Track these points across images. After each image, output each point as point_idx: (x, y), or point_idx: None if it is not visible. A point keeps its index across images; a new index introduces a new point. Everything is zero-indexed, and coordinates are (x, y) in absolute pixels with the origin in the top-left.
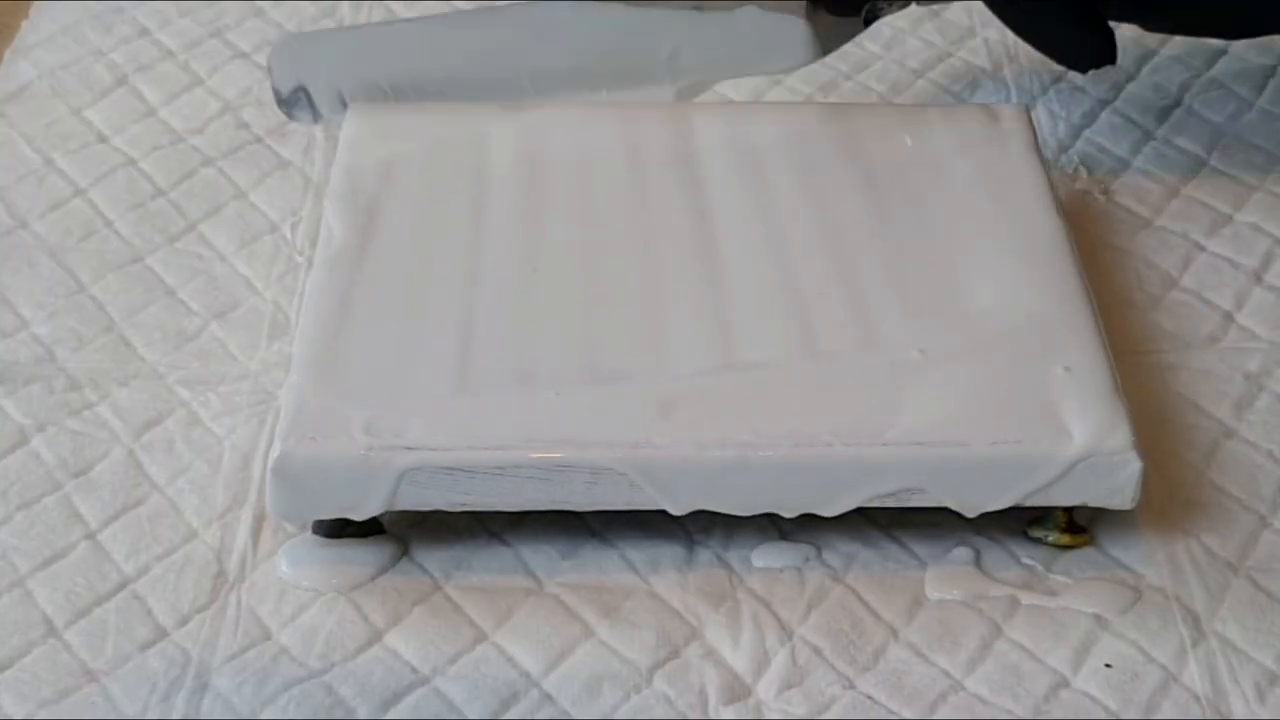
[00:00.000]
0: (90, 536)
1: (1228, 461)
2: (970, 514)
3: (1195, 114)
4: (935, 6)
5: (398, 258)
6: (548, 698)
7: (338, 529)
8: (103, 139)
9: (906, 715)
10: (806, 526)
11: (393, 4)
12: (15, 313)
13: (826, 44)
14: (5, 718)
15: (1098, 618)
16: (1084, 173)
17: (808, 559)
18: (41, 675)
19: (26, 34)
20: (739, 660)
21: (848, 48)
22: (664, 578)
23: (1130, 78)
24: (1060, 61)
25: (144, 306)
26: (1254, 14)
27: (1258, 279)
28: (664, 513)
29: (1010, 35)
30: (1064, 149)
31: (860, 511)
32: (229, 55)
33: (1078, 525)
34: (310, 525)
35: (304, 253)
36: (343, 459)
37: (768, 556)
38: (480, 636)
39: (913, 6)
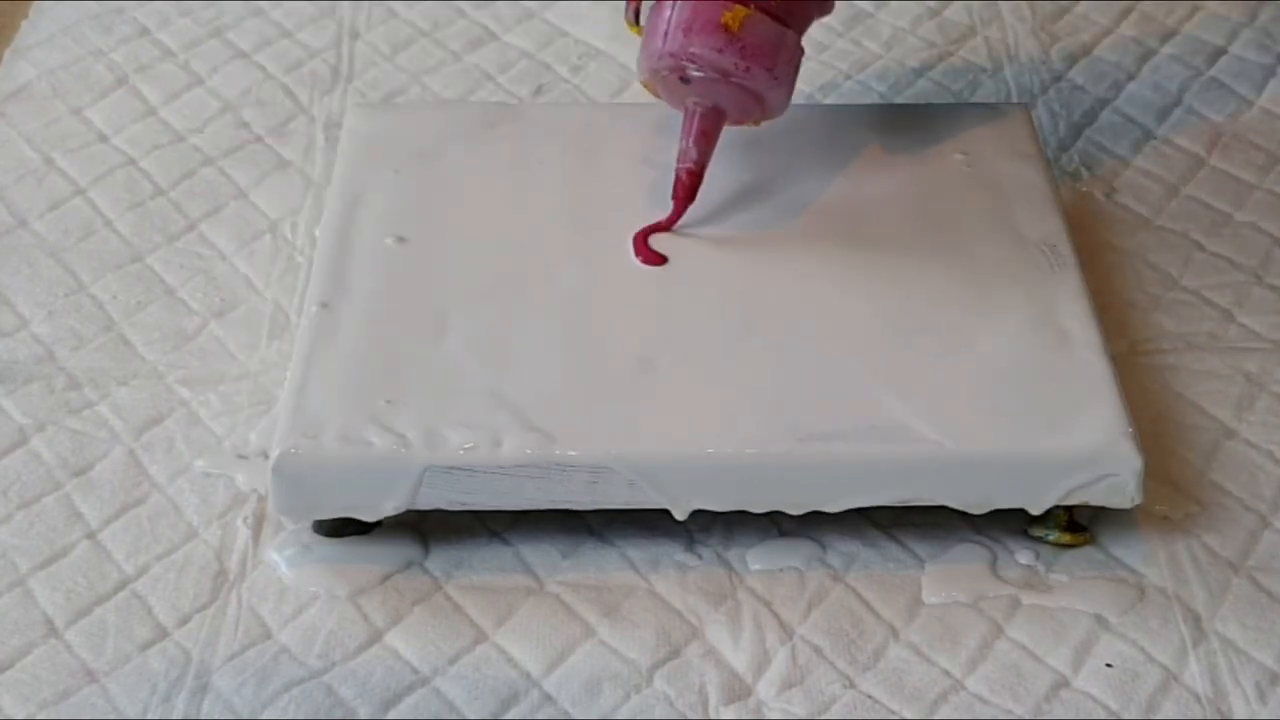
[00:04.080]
0: (90, 536)
1: (1228, 461)
2: (974, 512)
3: (1195, 113)
4: (935, 4)
5: (401, 257)
6: (548, 698)
7: (339, 528)
8: (103, 139)
9: (907, 715)
10: (807, 526)
11: (393, 4)
12: (15, 312)
13: None
14: (6, 719)
15: (1098, 617)
16: (1084, 172)
17: (808, 559)
18: (42, 676)
19: (26, 34)
20: (739, 660)
21: (848, 47)
22: (664, 577)
23: (1130, 77)
24: None
25: (144, 306)
26: None
27: (1258, 279)
28: (664, 512)
29: (1011, 34)
30: (1064, 148)
31: (861, 511)
32: (229, 55)
33: (1078, 525)
34: (312, 524)
35: (304, 252)
36: (342, 458)
37: (768, 556)
38: (480, 636)
39: (914, 4)
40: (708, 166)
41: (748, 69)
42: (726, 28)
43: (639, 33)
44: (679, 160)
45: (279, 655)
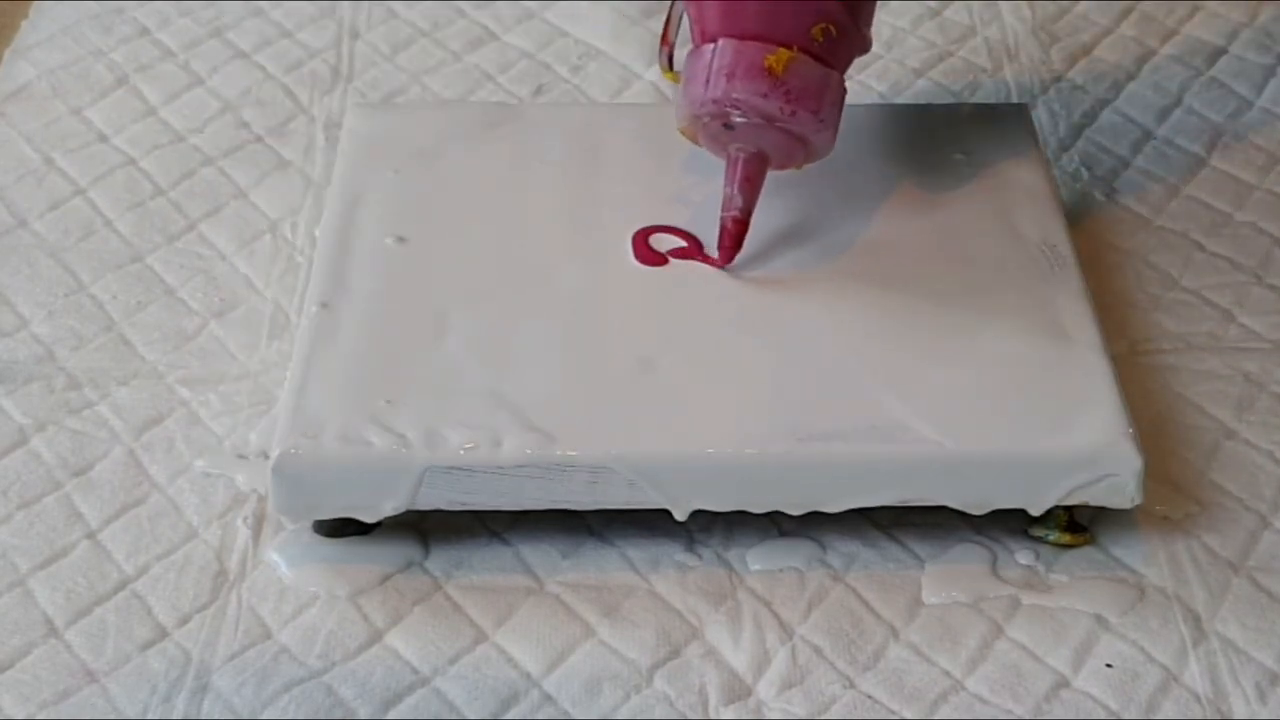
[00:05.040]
0: (90, 536)
1: (1228, 461)
2: (974, 512)
3: (1195, 114)
4: (935, 4)
5: (401, 257)
6: (548, 698)
7: (339, 528)
8: (103, 139)
9: (907, 715)
10: (807, 526)
11: (393, 4)
12: (15, 312)
13: None
14: (6, 719)
15: (1098, 617)
16: (1084, 172)
17: (808, 559)
18: (42, 676)
19: (26, 34)
20: (739, 660)
21: None
22: (664, 577)
23: (1130, 77)
24: None
25: (144, 306)
26: None
27: (1258, 279)
28: (664, 512)
29: (1011, 35)
30: (1064, 148)
31: (861, 511)
32: (229, 55)
33: (1078, 525)
34: (312, 524)
35: (304, 252)
36: (342, 458)
37: (768, 556)
38: (480, 637)
39: (914, 4)
40: (753, 213)
41: (794, 113)
42: (770, 71)
43: (675, 79)
44: (724, 209)
45: (279, 655)
